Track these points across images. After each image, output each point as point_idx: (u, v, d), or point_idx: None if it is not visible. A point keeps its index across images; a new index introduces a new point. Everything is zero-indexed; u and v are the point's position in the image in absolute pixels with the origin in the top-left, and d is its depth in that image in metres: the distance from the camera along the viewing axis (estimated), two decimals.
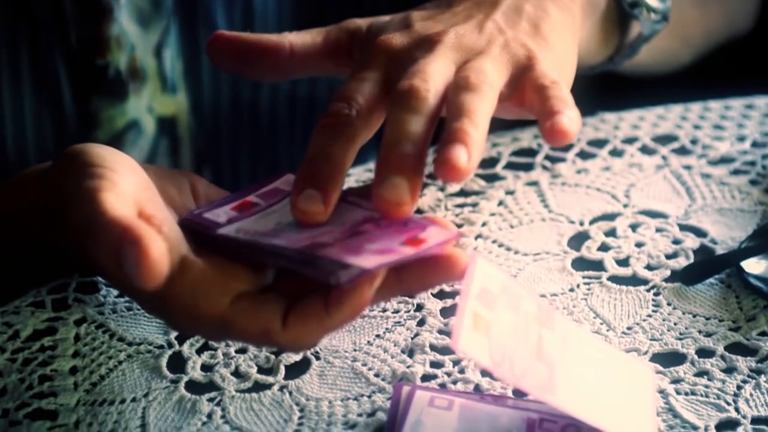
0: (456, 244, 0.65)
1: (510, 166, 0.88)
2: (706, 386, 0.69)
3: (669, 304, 0.75)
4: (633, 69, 0.90)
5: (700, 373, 0.70)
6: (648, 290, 0.76)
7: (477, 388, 0.70)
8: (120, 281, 0.65)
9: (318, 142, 0.65)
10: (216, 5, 0.91)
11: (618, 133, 0.91)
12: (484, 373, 0.70)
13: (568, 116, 0.64)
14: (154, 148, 0.92)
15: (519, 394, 0.68)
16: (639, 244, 0.80)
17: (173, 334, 0.74)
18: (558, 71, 0.68)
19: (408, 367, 0.71)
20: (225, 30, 0.74)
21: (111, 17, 0.87)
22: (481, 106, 0.64)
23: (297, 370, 0.71)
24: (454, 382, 0.70)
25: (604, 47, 0.84)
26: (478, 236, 0.81)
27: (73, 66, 0.88)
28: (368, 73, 0.68)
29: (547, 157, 0.88)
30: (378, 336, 0.73)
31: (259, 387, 0.70)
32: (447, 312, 0.75)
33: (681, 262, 0.78)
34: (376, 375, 0.71)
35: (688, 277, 0.76)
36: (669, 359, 0.71)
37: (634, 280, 0.77)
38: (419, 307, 0.75)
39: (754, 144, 0.89)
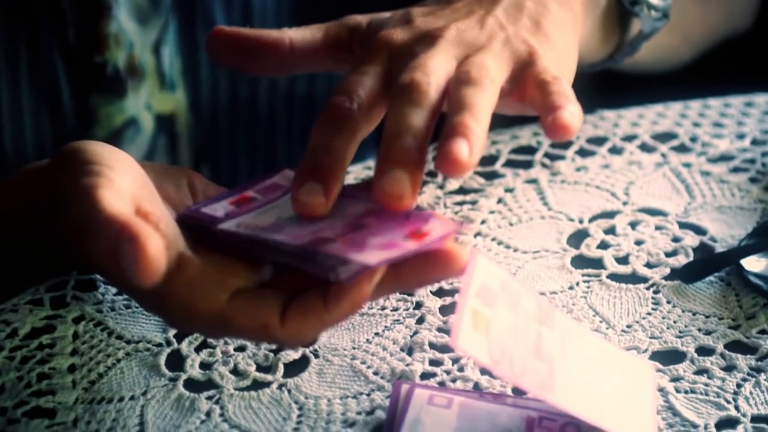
0: (456, 240, 0.65)
1: (509, 163, 0.88)
2: (706, 384, 0.69)
3: (668, 302, 0.75)
4: (633, 66, 0.90)
5: (700, 372, 0.70)
6: (647, 288, 0.76)
7: (476, 386, 0.69)
8: (118, 279, 0.65)
9: (319, 135, 0.65)
10: (215, 2, 0.91)
11: (617, 130, 0.90)
12: (484, 371, 0.70)
13: (570, 111, 0.64)
14: (153, 145, 0.92)
15: (518, 392, 0.68)
16: (638, 242, 0.80)
17: (172, 332, 0.74)
18: (559, 68, 0.68)
19: (407, 365, 0.71)
20: None
21: (109, 15, 0.87)
22: (483, 101, 0.64)
23: (296, 368, 0.71)
24: (454, 381, 0.70)
25: (604, 45, 0.84)
26: (478, 234, 0.81)
27: (72, 63, 0.88)
28: (369, 68, 0.67)
29: (547, 155, 0.88)
30: (377, 334, 0.73)
31: (257, 385, 0.70)
32: (446, 310, 0.75)
33: (680, 260, 0.78)
34: (375, 373, 0.71)
35: (687, 275, 0.76)
36: (668, 357, 0.71)
37: (634, 278, 0.77)
38: (418, 305, 0.75)
39: (754, 142, 0.89)
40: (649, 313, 0.74)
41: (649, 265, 0.78)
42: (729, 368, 0.70)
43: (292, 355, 0.72)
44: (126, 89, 0.90)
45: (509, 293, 0.63)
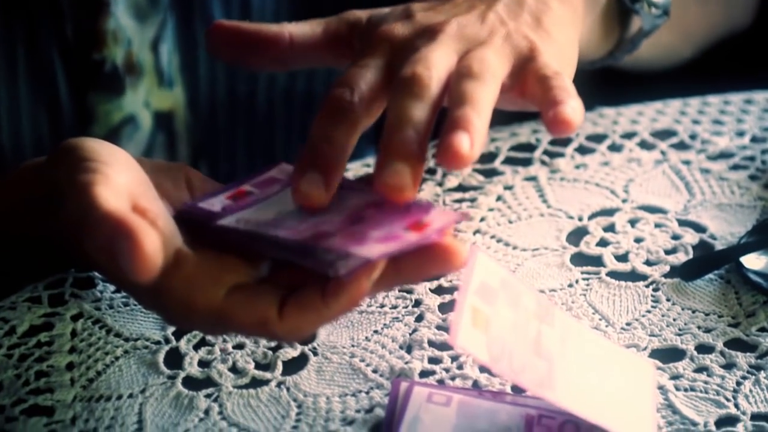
0: (455, 234, 0.65)
1: (508, 161, 0.88)
2: (706, 382, 0.69)
3: (668, 300, 0.75)
4: (633, 64, 0.90)
5: (700, 369, 0.70)
6: (647, 286, 0.76)
7: (475, 384, 0.69)
8: (115, 276, 0.65)
9: (319, 127, 0.64)
10: (213, 0, 0.91)
11: (617, 128, 0.90)
12: (483, 369, 0.70)
13: (571, 106, 0.63)
14: (151, 142, 0.92)
15: (518, 390, 0.68)
16: (638, 240, 0.80)
17: (170, 330, 0.74)
18: (559, 64, 0.68)
19: (406, 363, 0.71)
20: None
21: (107, 12, 0.87)
22: (484, 95, 0.64)
23: (295, 366, 0.71)
24: (453, 378, 0.70)
25: (604, 42, 0.84)
26: (477, 231, 0.81)
27: (70, 61, 0.88)
28: (370, 60, 0.67)
29: (546, 152, 0.88)
30: (376, 332, 0.73)
31: (256, 383, 0.70)
32: (445, 308, 0.75)
33: (680, 258, 0.78)
34: (374, 371, 0.71)
35: (687, 272, 0.76)
36: (668, 355, 0.71)
37: (633, 276, 0.77)
38: (417, 303, 0.75)
39: (754, 139, 0.89)
40: (649, 311, 0.74)
41: (648, 263, 0.78)
42: (729, 366, 0.70)
43: (290, 352, 0.72)
44: (124, 86, 0.90)
45: (509, 291, 0.63)
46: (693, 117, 0.91)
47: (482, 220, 0.82)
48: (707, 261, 0.77)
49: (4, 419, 0.68)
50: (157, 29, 0.90)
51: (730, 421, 0.66)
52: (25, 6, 0.86)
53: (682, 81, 0.95)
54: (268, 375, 0.71)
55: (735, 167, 0.86)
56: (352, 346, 0.72)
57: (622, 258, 0.78)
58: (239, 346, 0.72)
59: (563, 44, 0.71)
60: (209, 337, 0.73)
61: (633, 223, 0.81)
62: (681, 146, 0.88)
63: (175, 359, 0.72)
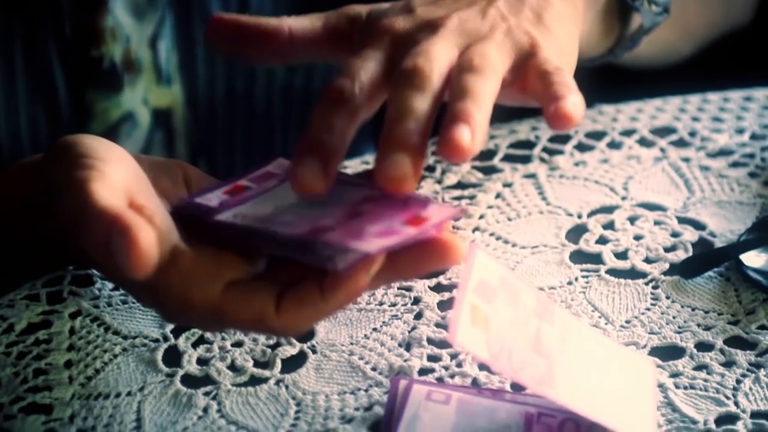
0: (454, 229, 0.64)
1: (507, 158, 0.87)
2: (705, 380, 0.69)
3: (668, 298, 0.75)
4: (633, 61, 0.89)
5: (699, 367, 0.70)
6: (646, 283, 0.76)
7: (475, 382, 0.69)
8: (112, 272, 0.65)
9: (319, 115, 0.64)
10: None
11: (616, 125, 0.90)
12: (482, 367, 0.70)
13: (572, 101, 0.63)
14: (149, 140, 0.92)
15: (517, 388, 0.68)
16: (637, 237, 0.79)
17: (169, 328, 0.73)
18: (560, 60, 0.68)
19: (405, 360, 0.71)
20: None
21: (105, 9, 0.87)
22: (485, 88, 0.63)
23: (293, 363, 0.71)
24: (452, 376, 0.70)
25: (604, 39, 0.84)
26: (476, 229, 0.81)
27: (68, 58, 0.88)
28: (371, 53, 0.67)
29: (545, 150, 0.88)
30: (375, 329, 0.73)
31: (255, 381, 0.70)
32: (444, 305, 0.74)
33: (680, 255, 0.78)
34: (373, 369, 0.70)
35: (686, 270, 0.76)
36: (668, 353, 0.71)
37: (633, 273, 0.77)
38: (417, 301, 0.75)
39: (753, 136, 0.89)
40: (648, 309, 0.74)
41: (648, 261, 0.78)
42: (728, 364, 0.70)
43: (289, 350, 0.72)
44: (122, 84, 0.89)
45: (508, 288, 0.63)
46: (692, 114, 0.91)
47: (481, 217, 0.82)
48: (707, 258, 0.76)
49: (2, 417, 0.68)
50: (155, 26, 0.90)
51: (729, 419, 0.66)
52: (23, 3, 0.86)
53: (682, 78, 0.95)
54: (266, 373, 0.70)
55: (734, 164, 0.86)
56: (351, 343, 0.72)
57: (622, 255, 0.78)
58: (238, 344, 0.72)
59: (564, 40, 0.71)
60: (208, 335, 0.73)
61: (632, 220, 0.81)
62: (680, 143, 0.88)
63: (173, 357, 0.72)
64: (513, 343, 0.62)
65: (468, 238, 0.80)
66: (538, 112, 0.78)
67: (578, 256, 0.78)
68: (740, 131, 0.89)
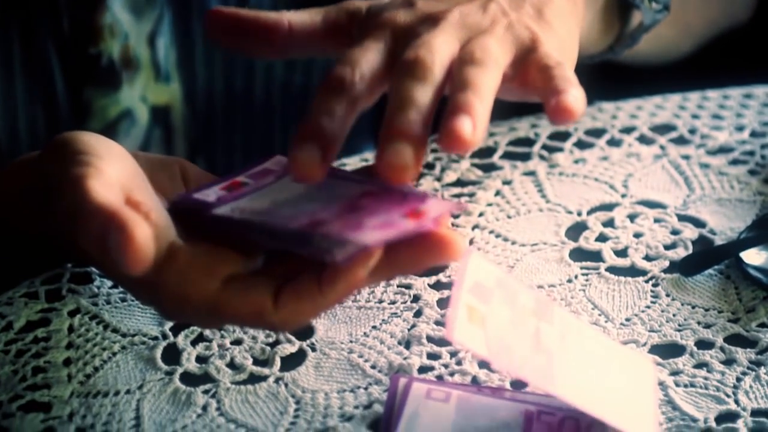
0: (453, 225, 0.64)
1: (507, 155, 0.87)
2: (706, 378, 0.69)
3: (668, 295, 0.74)
4: (633, 58, 0.89)
5: (700, 365, 0.69)
6: (646, 281, 0.76)
7: (474, 380, 0.69)
8: (109, 269, 0.65)
9: (320, 101, 0.64)
10: None
11: (616, 122, 0.90)
12: (482, 365, 0.70)
13: (573, 95, 0.63)
14: (148, 137, 0.92)
15: (517, 386, 0.68)
16: (637, 235, 0.79)
17: (168, 326, 0.73)
18: (561, 55, 0.68)
19: (405, 358, 0.71)
20: None
21: (104, 6, 0.87)
22: (487, 81, 0.63)
23: (293, 361, 0.71)
24: (452, 374, 0.70)
25: (604, 36, 0.84)
26: (475, 227, 0.81)
27: (66, 55, 0.88)
28: (372, 43, 0.67)
29: (545, 147, 0.88)
30: (374, 327, 0.73)
31: (254, 379, 0.70)
32: (444, 303, 0.74)
33: (680, 253, 0.78)
34: (373, 367, 0.70)
35: (686, 267, 0.76)
36: (668, 351, 0.71)
37: (633, 271, 0.77)
38: (416, 299, 0.75)
39: (753, 134, 0.88)
40: (648, 306, 0.74)
41: (648, 258, 0.77)
42: (729, 362, 0.70)
43: (289, 348, 0.72)
44: (121, 81, 0.89)
45: (505, 290, 0.63)
46: (692, 111, 0.91)
47: (481, 215, 0.82)
48: (707, 256, 0.76)
49: (0, 415, 0.68)
50: (153, 24, 0.89)
51: (730, 417, 0.66)
52: (21, 1, 0.86)
53: (682, 76, 0.95)
54: (266, 371, 0.70)
55: (734, 162, 0.86)
56: (351, 341, 0.72)
57: (622, 253, 0.78)
58: (237, 342, 0.72)
59: (564, 36, 0.71)
60: (207, 333, 0.73)
61: (632, 218, 0.81)
62: (680, 141, 0.88)
63: (172, 355, 0.72)
64: (512, 341, 0.61)
65: (468, 235, 0.80)
66: (537, 109, 0.78)
67: (578, 254, 0.78)
68: (740, 128, 0.89)
